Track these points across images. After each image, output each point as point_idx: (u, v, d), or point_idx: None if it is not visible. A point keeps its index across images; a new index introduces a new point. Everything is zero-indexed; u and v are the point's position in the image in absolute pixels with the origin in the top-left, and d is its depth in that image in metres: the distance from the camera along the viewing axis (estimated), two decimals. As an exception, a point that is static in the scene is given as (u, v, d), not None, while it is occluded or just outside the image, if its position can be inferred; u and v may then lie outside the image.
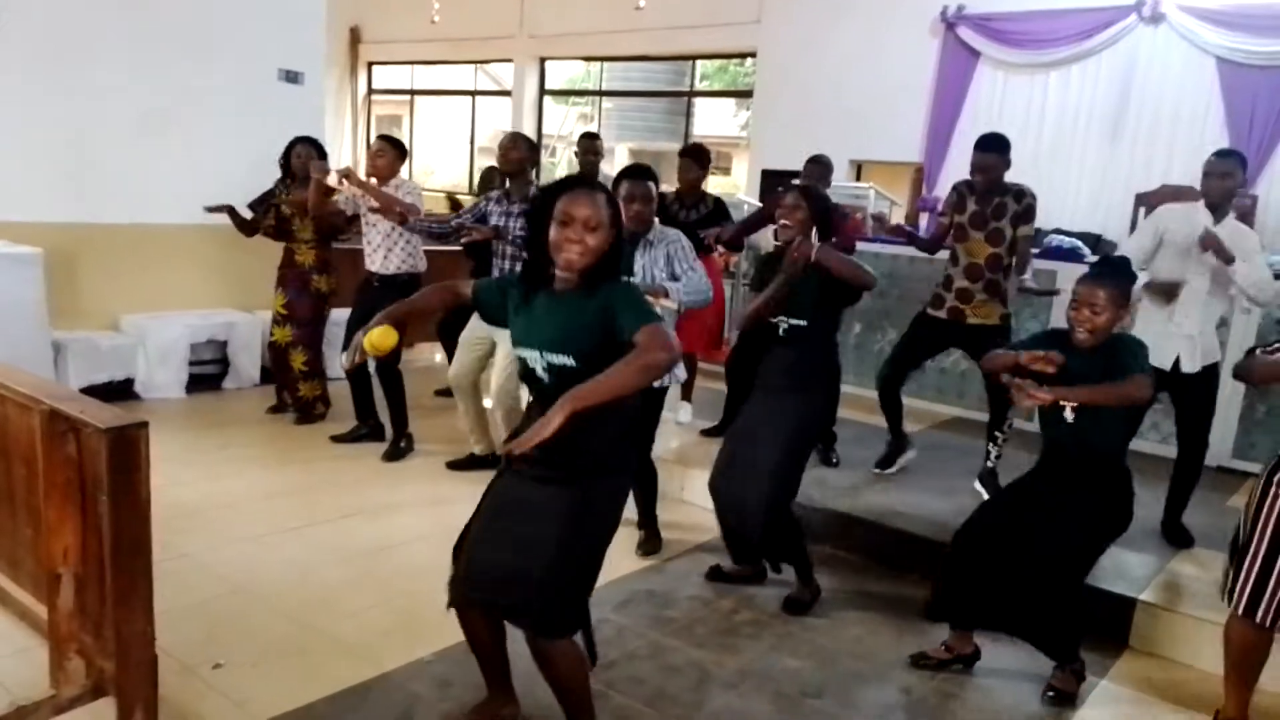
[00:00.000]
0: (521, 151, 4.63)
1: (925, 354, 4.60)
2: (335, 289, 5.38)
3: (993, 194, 4.26)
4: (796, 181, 4.02)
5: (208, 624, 3.11)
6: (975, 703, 2.99)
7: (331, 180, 4.86)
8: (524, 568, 2.22)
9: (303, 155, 5.20)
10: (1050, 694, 2.99)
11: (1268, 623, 2.62)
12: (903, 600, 3.66)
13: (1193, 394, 3.88)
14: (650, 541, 3.96)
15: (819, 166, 5.10)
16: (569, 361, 2.18)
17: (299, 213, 5.16)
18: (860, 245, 6.07)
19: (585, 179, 2.33)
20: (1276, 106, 6.94)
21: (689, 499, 4.51)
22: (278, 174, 5.39)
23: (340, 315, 5.30)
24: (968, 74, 8.24)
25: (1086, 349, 2.86)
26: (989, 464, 4.35)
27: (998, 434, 4.31)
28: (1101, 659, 3.25)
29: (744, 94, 10.75)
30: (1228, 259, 3.65)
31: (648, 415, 3.60)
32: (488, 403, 4.69)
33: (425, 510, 4.26)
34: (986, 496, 4.11)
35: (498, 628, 2.47)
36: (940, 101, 8.34)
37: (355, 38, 13.34)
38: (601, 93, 12.17)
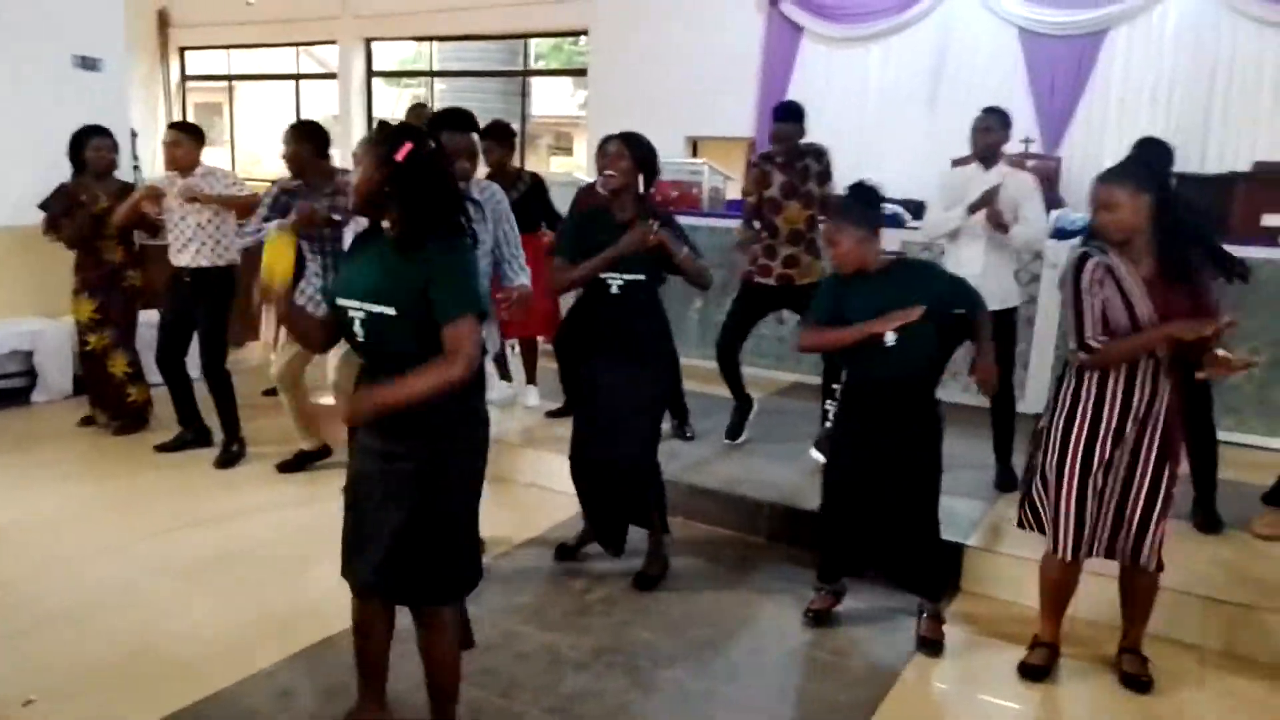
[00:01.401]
0: (295, 146, 4.18)
1: (757, 318, 4.74)
2: (143, 286, 5.05)
3: (794, 160, 4.46)
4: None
5: (18, 657, 2.87)
6: (820, 659, 3.10)
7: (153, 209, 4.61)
8: (386, 548, 2.20)
9: (101, 148, 4.83)
10: (923, 644, 3.13)
11: (1075, 558, 2.82)
12: (751, 564, 3.76)
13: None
14: None
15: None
16: (388, 310, 2.12)
17: (113, 204, 4.79)
18: (697, 220, 6.18)
19: (386, 124, 2.25)
20: (1074, 74, 7.41)
21: (539, 482, 4.47)
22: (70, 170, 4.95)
23: (148, 317, 4.99)
24: (793, 49, 8.43)
25: (875, 276, 3.00)
26: (828, 424, 4.49)
27: (834, 386, 4.46)
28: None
29: (578, 73, 10.69)
30: (1004, 227, 3.92)
31: None
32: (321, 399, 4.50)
33: (262, 516, 4.05)
34: (824, 460, 4.26)
35: (388, 617, 2.42)
36: (768, 77, 8.52)
37: (164, 21, 12.51)
38: (433, 73, 11.85)
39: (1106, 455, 2.74)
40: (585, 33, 9.84)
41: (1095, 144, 7.24)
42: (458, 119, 3.39)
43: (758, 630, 3.25)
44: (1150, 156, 3.68)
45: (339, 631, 2.78)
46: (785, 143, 4.44)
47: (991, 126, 4.03)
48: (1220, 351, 2.61)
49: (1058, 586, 2.94)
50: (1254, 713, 2.87)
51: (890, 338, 2.93)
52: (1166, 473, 2.75)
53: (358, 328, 2.17)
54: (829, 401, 4.47)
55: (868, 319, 2.92)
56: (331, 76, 11.77)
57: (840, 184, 4.21)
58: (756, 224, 4.63)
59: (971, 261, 4.04)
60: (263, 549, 3.71)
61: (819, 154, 4.51)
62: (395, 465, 2.18)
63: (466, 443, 2.26)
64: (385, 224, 2.20)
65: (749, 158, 8.55)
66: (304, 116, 12.16)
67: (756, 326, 4.83)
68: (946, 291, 3.06)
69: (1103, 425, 2.73)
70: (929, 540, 3.14)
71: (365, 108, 11.49)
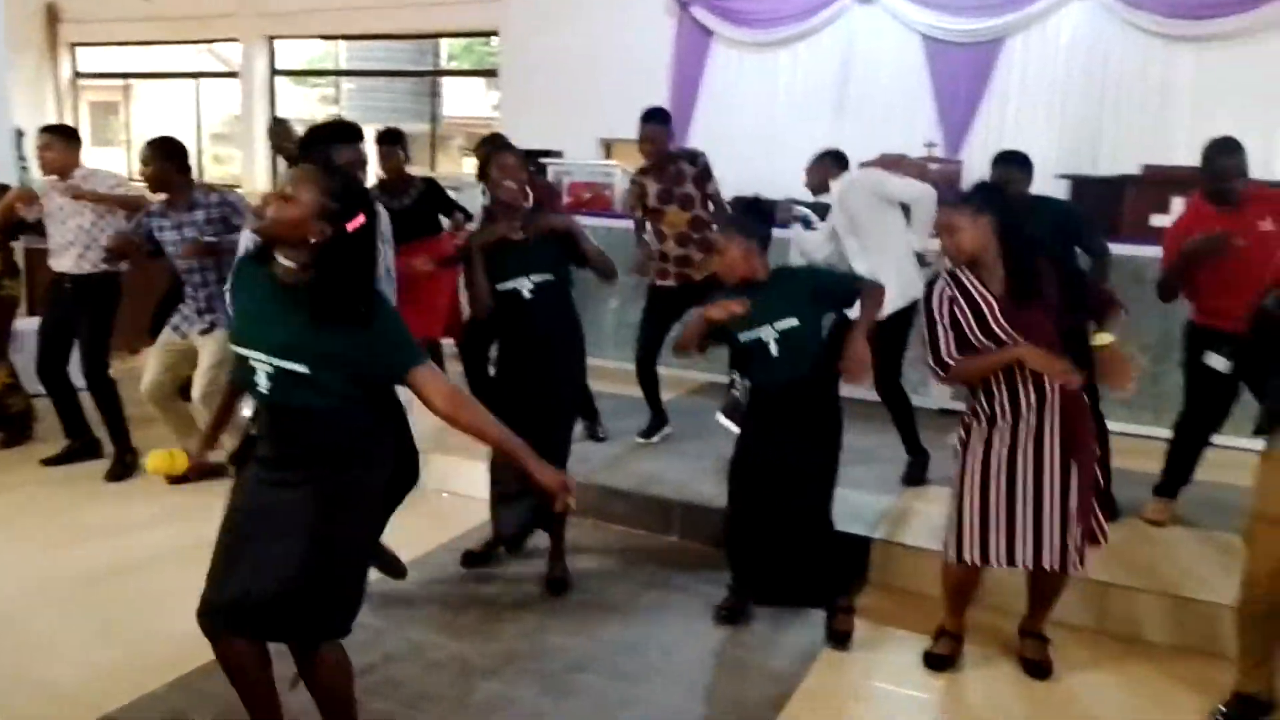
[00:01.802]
0: (155, 164, 4.01)
1: (670, 322, 4.70)
2: (18, 295, 4.82)
3: (666, 165, 4.56)
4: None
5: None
6: (732, 656, 3.10)
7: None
8: (269, 587, 2.00)
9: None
10: (833, 637, 3.16)
11: (975, 562, 2.85)
12: (663, 563, 3.75)
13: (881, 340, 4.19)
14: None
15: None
16: (300, 368, 1.98)
17: None
18: (611, 221, 6.16)
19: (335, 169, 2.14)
20: (974, 80, 7.62)
21: (449, 488, 4.39)
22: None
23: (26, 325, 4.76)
24: (704, 53, 8.48)
25: (758, 286, 3.07)
26: (734, 392, 4.54)
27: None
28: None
29: (489, 73, 10.59)
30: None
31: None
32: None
33: (153, 531, 3.88)
34: (736, 429, 4.31)
35: (261, 653, 2.18)
36: (680, 80, 8.55)
37: (53, 16, 11.96)
38: (339, 73, 11.60)
39: (1005, 462, 2.78)
40: (496, 33, 9.75)
41: (995, 148, 7.34)
42: (346, 132, 3.35)
43: (670, 630, 3.24)
44: (1004, 173, 3.92)
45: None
46: (654, 143, 4.53)
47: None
48: (1103, 340, 2.68)
49: (961, 585, 2.99)
50: (1147, 693, 2.97)
51: (774, 347, 3.03)
52: (1075, 473, 2.78)
53: (262, 380, 2.02)
54: (734, 371, 4.50)
55: (750, 322, 3.03)
56: (233, 75, 11.42)
57: (752, 186, 4.30)
58: (646, 237, 4.72)
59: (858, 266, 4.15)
60: (152, 564, 3.55)
61: (692, 156, 4.64)
62: (288, 495, 2.03)
63: (367, 476, 2.13)
64: (283, 260, 2.00)
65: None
66: (206, 117, 11.92)
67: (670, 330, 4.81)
68: (822, 287, 3.15)
69: (996, 434, 2.79)
70: (824, 542, 3.15)
71: (268, 108, 11.16)
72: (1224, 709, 2.75)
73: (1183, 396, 3.85)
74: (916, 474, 4.22)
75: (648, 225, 4.69)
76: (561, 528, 3.54)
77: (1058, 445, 2.77)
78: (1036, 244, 2.81)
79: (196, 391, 4.15)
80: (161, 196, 4.11)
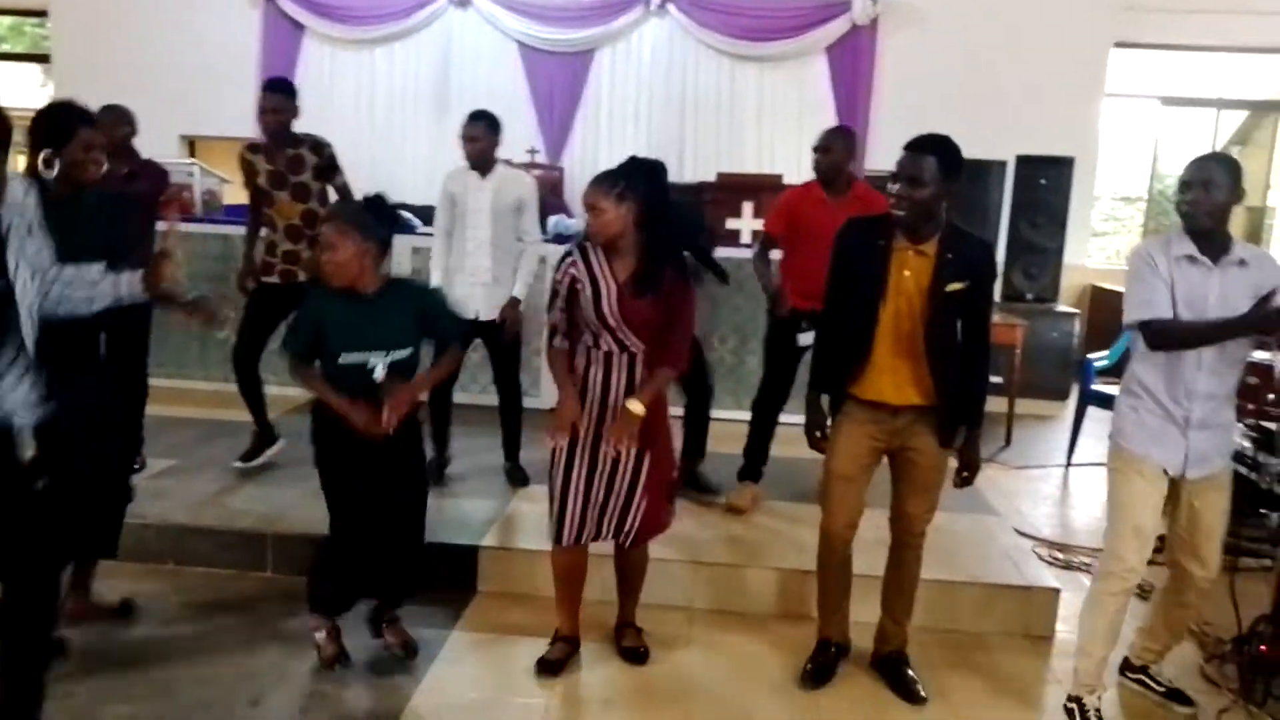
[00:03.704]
0: None
1: (271, 322, 4.21)
2: None
3: (284, 146, 4.14)
4: None
5: None
6: (330, 697, 2.87)
7: None
8: None
9: None
10: (398, 651, 3.03)
11: (576, 543, 2.92)
12: (251, 603, 3.41)
13: (498, 341, 4.21)
14: None
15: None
16: None
17: None
18: (191, 226, 5.60)
19: None
20: (570, 89, 7.91)
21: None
22: None
23: None
24: (294, 47, 8.03)
25: (367, 296, 2.79)
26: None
27: None
28: (453, 609, 3.39)
29: (42, 59, 9.20)
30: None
31: None
32: None
33: None
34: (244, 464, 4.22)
35: None
36: (269, 74, 7.96)
37: None
38: None
39: (588, 446, 2.87)
40: (45, 13, 8.48)
41: (592, 155, 7.82)
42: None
43: (259, 680, 2.92)
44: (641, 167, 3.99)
45: None
46: (277, 115, 4.08)
47: (477, 135, 4.06)
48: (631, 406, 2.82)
49: (568, 572, 3.02)
50: (736, 661, 3.20)
51: (380, 372, 2.79)
52: (648, 457, 2.90)
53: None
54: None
55: (350, 341, 2.77)
56: None
57: (357, 185, 3.94)
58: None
59: (482, 271, 4.12)
60: None
61: (317, 145, 4.18)
62: None
63: None
64: None
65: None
66: None
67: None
68: (428, 308, 2.97)
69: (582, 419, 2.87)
70: (417, 546, 3.05)
71: None
72: (809, 663, 3.06)
73: (763, 373, 4.21)
74: (523, 475, 4.27)
75: (258, 209, 4.23)
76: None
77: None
78: (672, 242, 2.88)
79: None
80: None
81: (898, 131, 2.99)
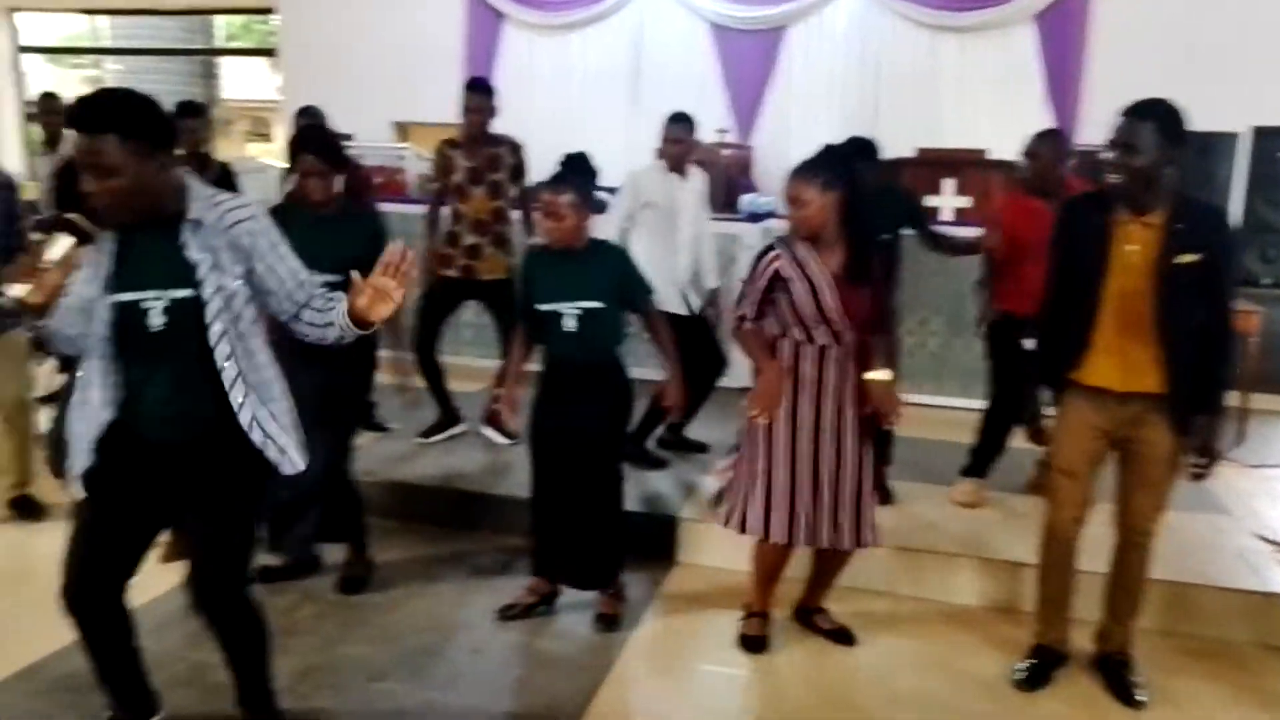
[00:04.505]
0: None
1: (446, 313, 4.46)
2: None
3: (482, 145, 4.29)
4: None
5: None
6: (541, 649, 3.03)
7: None
8: None
9: None
10: (599, 621, 3.12)
11: (789, 543, 2.88)
12: (469, 560, 3.62)
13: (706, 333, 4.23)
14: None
15: (305, 117, 4.83)
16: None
17: None
18: (405, 207, 5.92)
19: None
20: (760, 67, 7.84)
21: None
22: None
23: None
24: (496, 35, 8.31)
25: (572, 254, 2.96)
26: (494, 406, 4.38)
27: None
28: (653, 578, 3.47)
29: (268, 53, 9.95)
30: None
31: None
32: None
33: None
34: (501, 439, 4.35)
35: None
36: (473, 62, 8.32)
37: None
38: (99, 50, 10.58)
39: (811, 443, 2.81)
40: (271, 10, 9.16)
41: (783, 134, 7.70)
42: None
43: (475, 628, 3.12)
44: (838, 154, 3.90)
45: None
46: (480, 115, 4.25)
47: (682, 137, 4.08)
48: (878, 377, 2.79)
49: (774, 566, 2.99)
50: (941, 651, 3.12)
51: (570, 322, 2.92)
52: (867, 453, 2.86)
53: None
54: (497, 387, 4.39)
55: (553, 296, 2.94)
56: (-29, 52, 10.16)
57: (553, 169, 4.04)
58: (446, 210, 4.44)
59: (684, 269, 4.14)
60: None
61: (515, 147, 4.35)
62: None
63: None
64: None
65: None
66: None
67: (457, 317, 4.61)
68: (621, 276, 3.05)
69: (798, 415, 2.81)
70: (612, 520, 3.09)
71: (16, 88, 10.03)
72: (1023, 665, 2.90)
73: (991, 383, 3.90)
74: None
75: (448, 203, 4.39)
76: (357, 530, 3.35)
77: (854, 426, 2.83)
78: (876, 228, 2.84)
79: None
80: None
81: (1113, 104, 2.66)
